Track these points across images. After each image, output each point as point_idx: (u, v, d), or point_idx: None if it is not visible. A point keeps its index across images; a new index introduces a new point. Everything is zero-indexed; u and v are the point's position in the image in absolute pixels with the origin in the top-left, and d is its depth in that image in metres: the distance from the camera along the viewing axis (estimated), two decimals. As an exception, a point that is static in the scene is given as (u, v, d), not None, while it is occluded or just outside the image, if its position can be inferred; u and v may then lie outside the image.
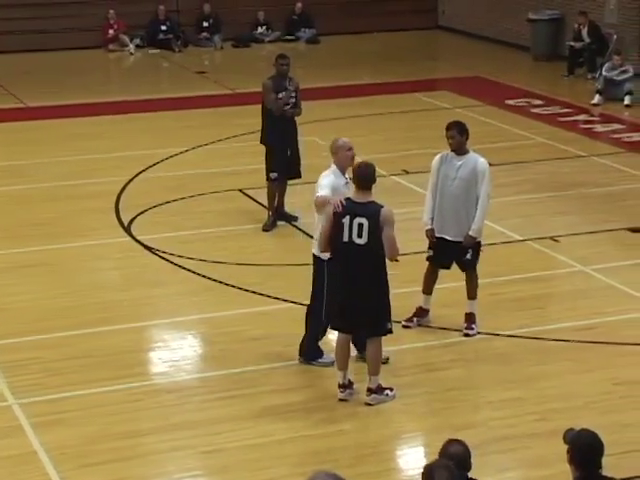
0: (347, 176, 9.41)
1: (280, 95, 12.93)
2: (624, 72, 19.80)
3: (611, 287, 11.52)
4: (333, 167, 9.51)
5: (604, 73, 19.95)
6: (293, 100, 13.13)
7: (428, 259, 10.42)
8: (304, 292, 11.15)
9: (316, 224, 9.42)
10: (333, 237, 8.90)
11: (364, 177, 8.89)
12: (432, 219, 10.23)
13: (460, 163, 10.07)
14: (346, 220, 8.82)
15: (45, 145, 17.42)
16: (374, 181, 8.92)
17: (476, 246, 10.27)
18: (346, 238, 8.82)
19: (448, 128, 10.10)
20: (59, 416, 8.94)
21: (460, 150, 10.08)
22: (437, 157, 10.27)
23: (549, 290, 11.83)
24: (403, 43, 26.29)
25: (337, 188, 9.34)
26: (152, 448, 8.50)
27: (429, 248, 10.37)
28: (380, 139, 17.40)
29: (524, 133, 17.76)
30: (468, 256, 10.21)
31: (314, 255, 9.46)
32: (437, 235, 10.22)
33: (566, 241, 12.86)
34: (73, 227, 13.58)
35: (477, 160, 10.10)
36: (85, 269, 12.22)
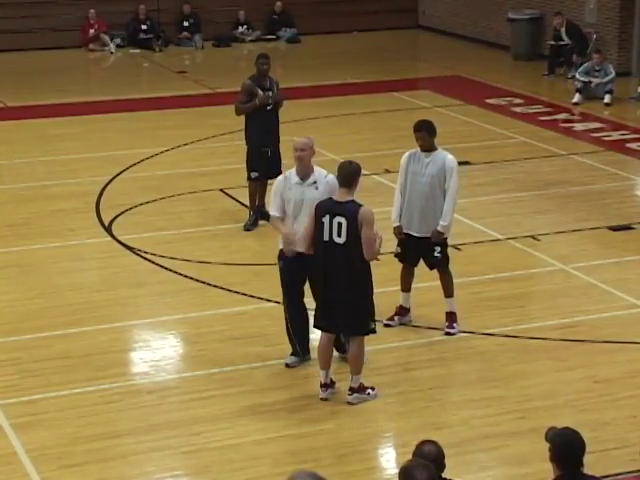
0: (313, 182, 9.36)
1: (263, 94, 12.96)
2: (604, 71, 19.86)
3: (591, 285, 11.55)
4: (295, 167, 9.54)
5: (584, 72, 20.00)
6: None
7: (397, 256, 10.44)
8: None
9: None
10: (314, 236, 8.89)
11: (342, 175, 8.89)
12: (400, 216, 10.25)
13: (428, 160, 10.11)
14: (326, 219, 8.81)
15: (24, 145, 17.32)
16: (354, 180, 8.89)
17: (444, 243, 10.27)
18: (326, 237, 8.82)
19: (417, 130, 10.13)
20: (38, 417, 8.90)
21: (429, 148, 10.12)
22: (405, 155, 10.30)
23: (530, 289, 11.85)
24: (384, 43, 26.30)
25: (282, 192, 9.40)
26: (132, 449, 8.47)
27: (397, 245, 10.40)
28: (361, 138, 17.41)
29: (505, 132, 17.80)
30: (436, 254, 10.22)
31: None
32: (405, 231, 10.24)
33: (546, 240, 12.89)
34: (51, 228, 13.51)
35: (445, 157, 10.14)
36: (64, 269, 12.15)
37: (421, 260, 10.41)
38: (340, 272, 8.82)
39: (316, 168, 9.51)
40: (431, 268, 10.41)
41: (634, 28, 22.14)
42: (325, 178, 9.41)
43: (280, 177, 9.60)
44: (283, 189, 9.45)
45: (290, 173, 9.51)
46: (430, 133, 10.10)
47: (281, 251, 9.50)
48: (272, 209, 9.59)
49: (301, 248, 9.17)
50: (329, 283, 8.90)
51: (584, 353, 10.02)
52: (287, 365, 9.66)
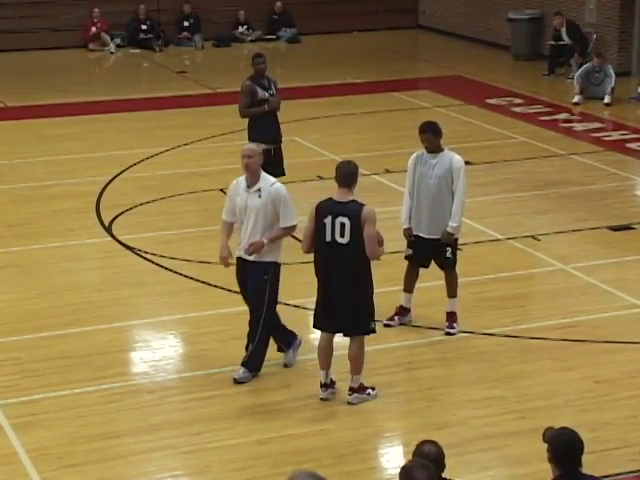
0: (257, 190, 9.30)
1: (266, 95, 12.97)
2: (604, 72, 19.87)
3: (592, 285, 11.55)
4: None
5: (584, 73, 20.00)
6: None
7: (407, 258, 10.45)
8: (285, 292, 11.14)
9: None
10: (316, 237, 8.88)
11: (342, 174, 8.89)
12: (410, 218, 10.26)
13: (435, 161, 10.10)
14: (328, 220, 8.80)
15: (24, 145, 17.32)
16: (354, 180, 8.90)
17: (454, 244, 10.30)
18: (329, 238, 8.81)
19: (422, 131, 10.14)
20: (38, 417, 8.90)
21: (435, 149, 10.11)
22: (412, 157, 10.30)
23: (530, 289, 11.85)
24: (384, 43, 26.30)
25: (232, 196, 9.38)
26: (132, 449, 8.47)
27: (408, 247, 10.40)
28: (361, 138, 17.41)
29: (505, 132, 17.80)
30: (448, 255, 10.23)
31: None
32: (414, 233, 10.25)
33: (547, 240, 12.89)
34: (51, 228, 13.51)
35: (452, 157, 10.14)
36: (64, 269, 12.15)
37: (432, 261, 10.41)
38: (342, 272, 8.82)
39: (264, 176, 9.39)
40: (442, 268, 10.41)
41: (634, 28, 22.14)
42: (271, 186, 9.30)
43: (231, 184, 9.55)
44: (233, 194, 9.41)
45: (241, 179, 9.44)
46: (435, 134, 10.09)
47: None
48: (223, 213, 9.58)
49: (304, 250, 9.15)
50: (331, 283, 8.89)
51: (584, 353, 10.02)
52: (286, 365, 9.68)
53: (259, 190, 9.27)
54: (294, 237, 12.18)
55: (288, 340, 9.73)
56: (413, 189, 10.24)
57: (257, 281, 9.34)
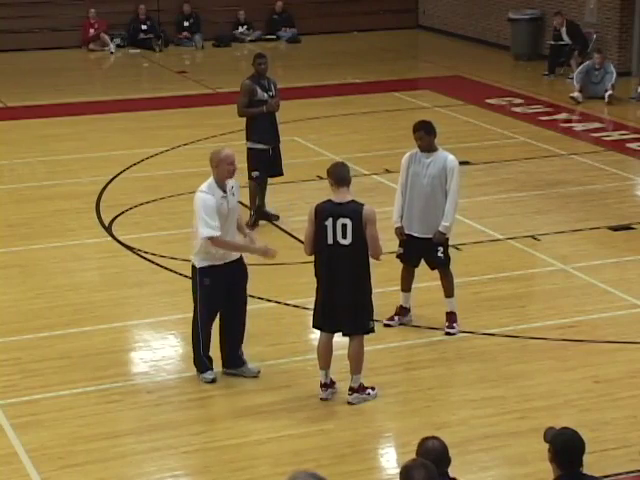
0: (231, 188, 9.21)
1: (265, 96, 12.98)
2: (604, 69, 19.87)
3: (592, 285, 11.55)
4: (210, 181, 9.26)
5: (584, 71, 20.01)
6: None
7: (398, 257, 10.44)
8: (285, 292, 11.19)
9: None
10: (316, 240, 8.87)
11: (338, 175, 8.86)
12: (402, 217, 10.25)
13: (429, 161, 10.09)
14: (329, 222, 8.78)
15: (23, 145, 17.32)
16: (350, 179, 8.91)
17: (446, 243, 10.28)
18: (331, 240, 8.79)
19: (415, 130, 10.12)
20: (38, 417, 8.89)
21: (429, 148, 10.10)
22: (406, 155, 10.29)
23: (530, 289, 11.85)
24: (384, 43, 26.30)
25: (218, 209, 9.05)
26: (132, 449, 8.46)
27: (399, 246, 10.40)
28: (361, 138, 17.42)
29: (505, 132, 17.80)
30: (439, 254, 10.22)
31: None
32: (406, 232, 10.24)
33: (547, 240, 12.90)
34: (51, 228, 13.51)
35: (446, 157, 10.13)
36: (64, 269, 12.15)
37: (422, 260, 10.42)
38: (344, 272, 8.80)
39: None
40: (432, 268, 10.41)
41: (634, 28, 22.14)
42: (233, 181, 9.30)
43: (207, 197, 9.10)
44: (219, 206, 9.07)
45: (210, 189, 9.15)
46: (428, 133, 10.08)
47: (205, 269, 9.21)
48: (214, 230, 8.99)
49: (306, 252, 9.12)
50: (333, 283, 8.87)
51: (584, 353, 10.02)
52: (212, 380, 9.39)
53: (232, 188, 9.26)
54: (295, 238, 12.22)
55: (210, 360, 9.52)
56: (406, 188, 10.24)
57: (246, 279, 9.37)
